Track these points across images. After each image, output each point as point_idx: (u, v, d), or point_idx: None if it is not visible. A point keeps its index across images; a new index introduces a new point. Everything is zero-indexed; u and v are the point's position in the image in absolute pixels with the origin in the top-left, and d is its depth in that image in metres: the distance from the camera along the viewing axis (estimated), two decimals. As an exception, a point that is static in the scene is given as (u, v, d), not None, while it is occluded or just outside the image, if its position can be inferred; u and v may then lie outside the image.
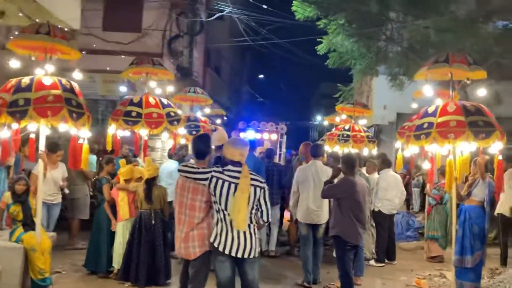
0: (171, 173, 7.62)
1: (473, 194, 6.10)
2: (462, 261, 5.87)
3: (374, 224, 8.26)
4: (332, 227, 5.87)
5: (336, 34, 11.17)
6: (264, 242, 8.51)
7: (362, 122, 10.48)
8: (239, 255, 4.17)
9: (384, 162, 8.53)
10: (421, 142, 5.79)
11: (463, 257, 5.86)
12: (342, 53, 11.73)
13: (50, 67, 5.65)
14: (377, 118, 14.84)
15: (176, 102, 10.66)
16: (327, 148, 9.85)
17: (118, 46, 11.65)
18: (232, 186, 4.17)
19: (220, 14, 13.84)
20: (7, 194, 5.93)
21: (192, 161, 5.14)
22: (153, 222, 6.23)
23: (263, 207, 4.30)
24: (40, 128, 5.61)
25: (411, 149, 6.57)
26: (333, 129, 10.14)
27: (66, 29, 6.55)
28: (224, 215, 4.18)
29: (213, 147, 4.81)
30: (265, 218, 4.31)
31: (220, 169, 4.27)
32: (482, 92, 6.31)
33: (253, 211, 4.25)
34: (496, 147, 5.56)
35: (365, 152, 9.50)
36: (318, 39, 11.95)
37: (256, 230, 4.29)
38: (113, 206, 6.65)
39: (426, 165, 7.30)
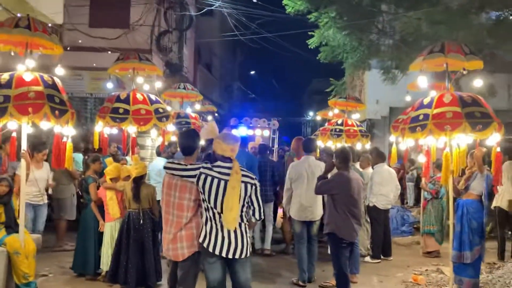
0: (160, 171, 7.40)
1: (471, 188, 5.95)
2: (460, 257, 5.72)
3: (369, 220, 8.12)
4: (326, 224, 5.68)
5: (327, 28, 10.97)
6: (258, 240, 8.34)
7: (355, 116, 10.35)
8: (230, 256, 3.96)
9: (379, 156, 8.37)
10: (416, 135, 5.63)
11: (462, 252, 5.72)
12: (334, 46, 11.52)
13: (31, 62, 5.42)
14: (369, 113, 14.73)
15: (166, 99, 10.47)
16: (320, 143, 9.71)
17: (105, 43, 11.40)
18: (222, 183, 3.96)
19: (209, 8, 13.60)
20: (-11, 196, 5.68)
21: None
22: (141, 222, 5.99)
23: (255, 204, 4.09)
24: (21, 126, 5.39)
25: (406, 142, 6.43)
26: (326, 124, 9.99)
27: (50, 25, 6.31)
28: (214, 213, 3.98)
29: (202, 142, 4.59)
30: (257, 216, 4.11)
31: (209, 165, 4.06)
32: (478, 82, 6.14)
33: (244, 208, 4.05)
34: (493, 138, 5.41)
35: (359, 146, 9.36)
36: (309, 33, 11.76)
37: (247, 228, 4.08)
38: (101, 206, 6.44)
39: (421, 159, 7.15)
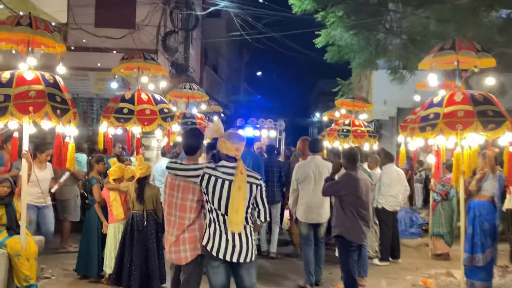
0: (164, 172, 7.24)
1: (483, 189, 5.79)
2: (472, 260, 5.56)
3: (377, 222, 7.95)
4: (334, 226, 5.53)
5: (334, 27, 10.82)
6: (264, 242, 8.20)
7: (362, 117, 10.21)
8: (234, 260, 3.82)
9: (387, 157, 8.22)
10: (426, 134, 5.49)
11: (474, 255, 5.56)
12: (341, 46, 11.38)
13: (32, 61, 5.33)
14: (377, 113, 14.56)
15: (171, 99, 10.36)
16: (327, 143, 9.57)
17: (111, 43, 11.30)
18: (226, 183, 3.83)
19: (215, 8, 13.47)
20: (-10, 197, 5.59)
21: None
22: (145, 223, 5.89)
23: (260, 206, 3.95)
24: (22, 126, 5.30)
25: (415, 142, 6.28)
26: (333, 125, 9.85)
27: (53, 24, 6.21)
28: (217, 215, 3.84)
29: (205, 142, 4.46)
30: (262, 218, 3.97)
31: (213, 165, 3.93)
32: (490, 81, 5.98)
33: (249, 210, 3.91)
34: (506, 138, 5.25)
35: (366, 147, 9.21)
36: (316, 33, 11.62)
37: (252, 231, 3.95)
38: (104, 208, 6.34)
39: (430, 159, 6.97)
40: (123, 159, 8.56)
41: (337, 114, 10.40)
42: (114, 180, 6.23)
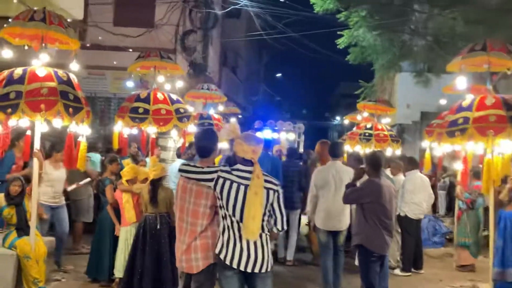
0: (178, 173, 7.09)
1: (515, 199, 5.45)
2: (503, 275, 5.23)
3: (399, 230, 7.62)
4: (355, 235, 5.23)
5: (357, 27, 10.56)
6: (281, 248, 7.93)
7: (385, 120, 9.90)
8: (249, 270, 3.56)
9: (411, 163, 7.89)
10: (455, 140, 5.21)
11: (505, 270, 5.23)
12: (364, 47, 11.12)
13: (45, 57, 5.19)
14: (400, 117, 14.28)
15: (189, 100, 10.19)
16: (348, 147, 9.28)
17: (129, 42, 11.19)
18: (242, 188, 3.59)
19: (234, 7, 13.28)
20: (0, 196, 5.46)
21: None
22: (158, 227, 5.68)
23: (277, 214, 3.69)
24: (34, 124, 5.16)
25: (442, 148, 5.98)
26: (354, 128, 9.56)
27: (69, 20, 6.08)
28: (232, 222, 3.60)
29: (220, 145, 4.22)
30: (279, 226, 3.71)
31: (227, 168, 3.70)
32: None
33: (265, 217, 3.65)
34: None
35: (389, 152, 8.90)
36: (338, 33, 11.35)
37: (268, 240, 3.69)
38: (117, 209, 6.16)
39: (458, 166, 6.64)
40: (138, 159, 8.40)
41: (359, 117, 10.12)
42: (127, 181, 6.04)
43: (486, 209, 8.26)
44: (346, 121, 12.54)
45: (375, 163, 5.21)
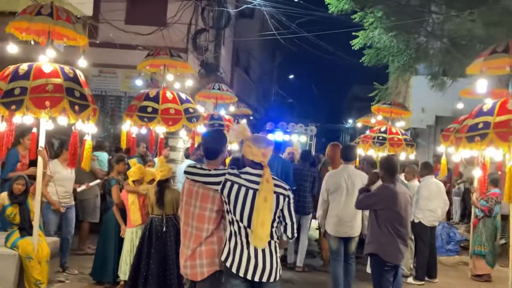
0: (186, 174, 6.92)
1: (538, 209, 5.19)
2: (524, 288, 4.98)
3: (413, 237, 7.37)
4: (368, 242, 5.00)
5: (372, 28, 10.32)
6: (291, 253, 7.71)
7: (399, 124, 9.67)
8: (256, 279, 3.37)
9: (426, 168, 7.63)
10: (475, 145, 4.94)
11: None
12: (379, 49, 10.88)
13: (52, 53, 5.06)
14: (414, 121, 13.98)
15: (199, 100, 10.04)
16: (361, 151, 9.06)
17: (141, 40, 11.08)
18: (250, 192, 3.40)
19: (247, 6, 13.11)
20: (4, 195, 5.35)
21: None
22: (164, 229, 5.52)
23: (287, 220, 3.50)
24: (40, 121, 5.03)
25: (460, 153, 5.74)
26: (367, 131, 9.33)
27: (78, 16, 5.96)
28: (239, 227, 3.41)
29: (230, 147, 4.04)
30: (289, 233, 3.51)
31: (236, 171, 3.51)
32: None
33: (275, 224, 3.46)
34: None
35: (403, 156, 8.66)
36: (354, 34, 11.13)
37: (277, 248, 3.50)
38: (123, 210, 6.01)
39: (476, 172, 6.39)
40: (146, 159, 8.27)
41: (373, 120, 9.90)
42: (133, 182, 5.89)
43: (503, 217, 8.01)
44: (359, 124, 12.32)
45: (390, 168, 4.99)
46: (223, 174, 3.48)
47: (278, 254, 3.49)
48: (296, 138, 15.52)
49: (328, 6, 10.79)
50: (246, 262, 3.38)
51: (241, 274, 3.37)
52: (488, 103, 5.17)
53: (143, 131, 7.19)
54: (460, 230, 10.46)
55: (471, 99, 7.54)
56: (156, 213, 5.56)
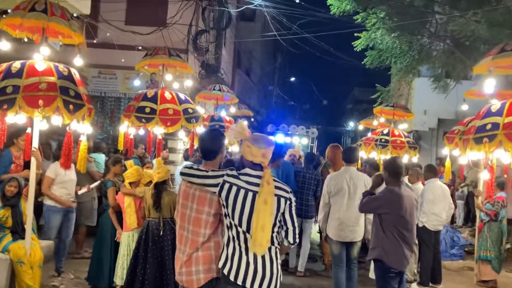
0: (185, 176, 6.75)
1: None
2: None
3: (417, 242, 7.18)
4: (372, 248, 4.82)
5: (375, 29, 10.17)
6: (293, 257, 7.53)
7: (402, 126, 9.53)
8: (255, 287, 3.18)
9: (430, 170, 7.46)
10: (483, 147, 4.79)
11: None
12: (381, 50, 10.73)
13: (46, 50, 4.91)
14: (416, 124, 13.86)
15: (200, 101, 9.90)
16: (363, 153, 8.91)
17: (140, 41, 10.93)
18: (250, 194, 3.22)
19: (248, 6, 12.96)
20: (-5, 197, 5.18)
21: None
22: (161, 232, 5.36)
23: (289, 224, 3.31)
24: (33, 121, 4.87)
25: (468, 156, 5.58)
26: (369, 134, 9.18)
27: (75, 15, 5.80)
28: (238, 232, 3.23)
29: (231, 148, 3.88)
30: (290, 239, 3.32)
31: (234, 172, 3.33)
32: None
33: (276, 228, 3.28)
34: None
35: (405, 159, 8.50)
36: (356, 35, 10.98)
37: (278, 254, 3.32)
38: (120, 213, 5.84)
39: (483, 175, 6.23)
40: (145, 161, 8.11)
41: (375, 122, 9.74)
42: (130, 184, 5.73)
43: (509, 221, 7.83)
44: (360, 127, 12.17)
45: (394, 170, 4.82)
46: (221, 176, 3.31)
47: (279, 261, 3.32)
48: (298, 140, 15.36)
49: (330, 7, 10.65)
50: (244, 269, 3.19)
51: (239, 281, 3.18)
52: (497, 104, 5.03)
53: (142, 132, 7.06)
54: (464, 234, 10.27)
55: (475, 101, 7.40)
56: (153, 216, 5.40)
